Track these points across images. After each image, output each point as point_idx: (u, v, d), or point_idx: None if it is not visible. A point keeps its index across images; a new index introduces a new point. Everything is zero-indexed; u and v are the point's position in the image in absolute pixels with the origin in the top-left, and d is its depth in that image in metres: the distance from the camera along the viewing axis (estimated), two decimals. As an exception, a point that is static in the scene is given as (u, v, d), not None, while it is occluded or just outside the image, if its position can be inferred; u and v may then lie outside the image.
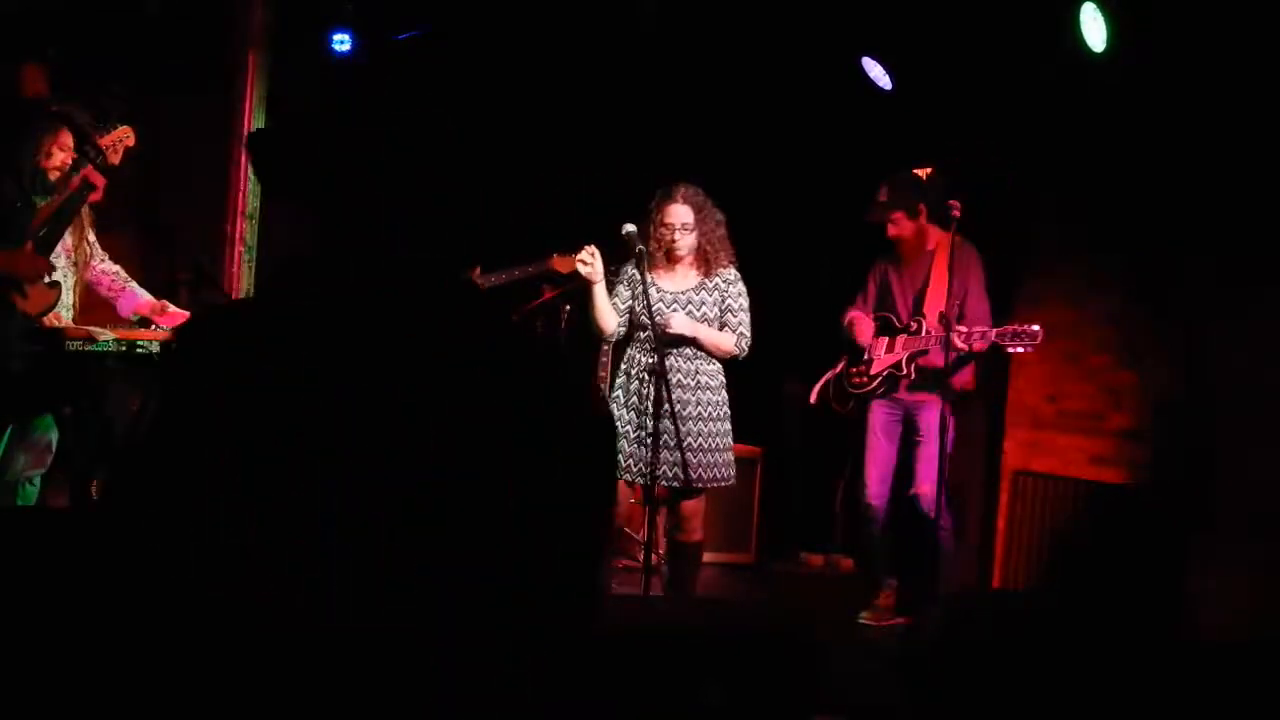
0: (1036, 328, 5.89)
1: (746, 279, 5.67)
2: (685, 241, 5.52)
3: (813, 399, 6.71)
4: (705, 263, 5.55)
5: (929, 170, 6.77)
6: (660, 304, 5.52)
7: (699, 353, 5.51)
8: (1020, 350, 5.99)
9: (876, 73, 6.99)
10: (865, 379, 6.49)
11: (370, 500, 1.48)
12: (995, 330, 6.00)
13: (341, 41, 7.78)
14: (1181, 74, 5.95)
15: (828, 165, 7.63)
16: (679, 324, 5.47)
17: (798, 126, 7.76)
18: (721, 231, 5.58)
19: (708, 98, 7.77)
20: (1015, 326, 5.95)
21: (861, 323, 6.55)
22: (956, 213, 5.98)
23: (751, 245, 7.93)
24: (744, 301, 5.56)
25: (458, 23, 7.66)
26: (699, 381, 5.49)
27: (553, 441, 1.56)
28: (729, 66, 7.54)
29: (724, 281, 5.54)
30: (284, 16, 7.26)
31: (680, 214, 5.52)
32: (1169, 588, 5.85)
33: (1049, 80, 6.49)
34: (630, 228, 5.46)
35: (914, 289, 6.43)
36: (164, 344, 5.45)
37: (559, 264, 6.64)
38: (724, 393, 5.57)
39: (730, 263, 5.59)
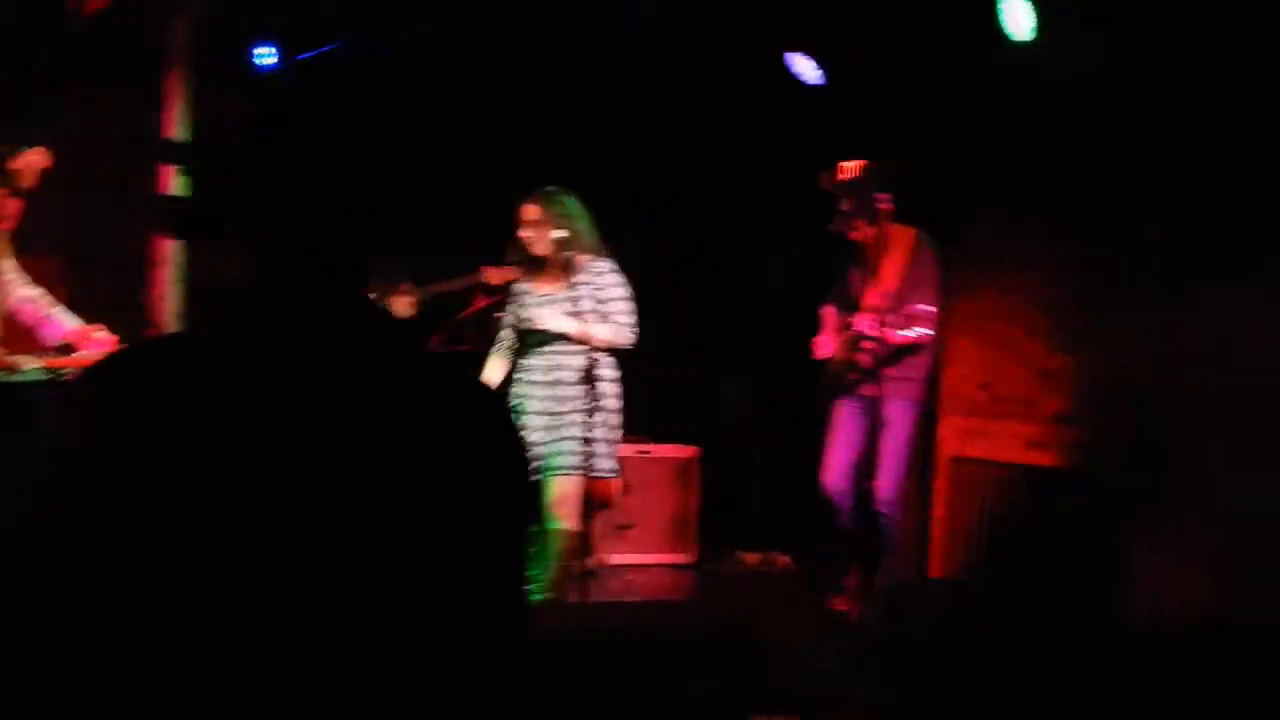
0: (931, 308, 5.98)
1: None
2: (535, 237, 5.62)
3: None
4: (566, 259, 5.61)
5: (862, 163, 6.81)
6: (538, 306, 5.66)
7: (575, 347, 5.58)
8: (922, 334, 6.00)
9: (805, 68, 7.00)
10: (826, 374, 6.63)
11: (285, 552, 1.45)
12: (891, 317, 6.06)
13: (265, 55, 7.71)
14: (1109, 60, 6.00)
15: (764, 162, 7.67)
16: (547, 320, 5.60)
17: (731, 126, 7.79)
18: (578, 227, 5.62)
19: (645, 98, 7.80)
20: (909, 308, 6.00)
21: (827, 319, 6.67)
22: (886, 207, 6.06)
23: (690, 243, 7.97)
24: (619, 291, 5.62)
25: (385, 34, 7.63)
26: (573, 376, 5.57)
27: (467, 471, 1.54)
28: (667, 67, 7.57)
29: (596, 274, 5.61)
30: (207, 33, 7.18)
31: (528, 213, 5.65)
32: (1104, 570, 5.91)
33: (978, 68, 6.55)
34: (560, 233, 5.53)
35: (863, 287, 6.50)
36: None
37: (491, 275, 6.64)
38: (610, 385, 5.59)
39: (603, 256, 5.66)
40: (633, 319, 5.62)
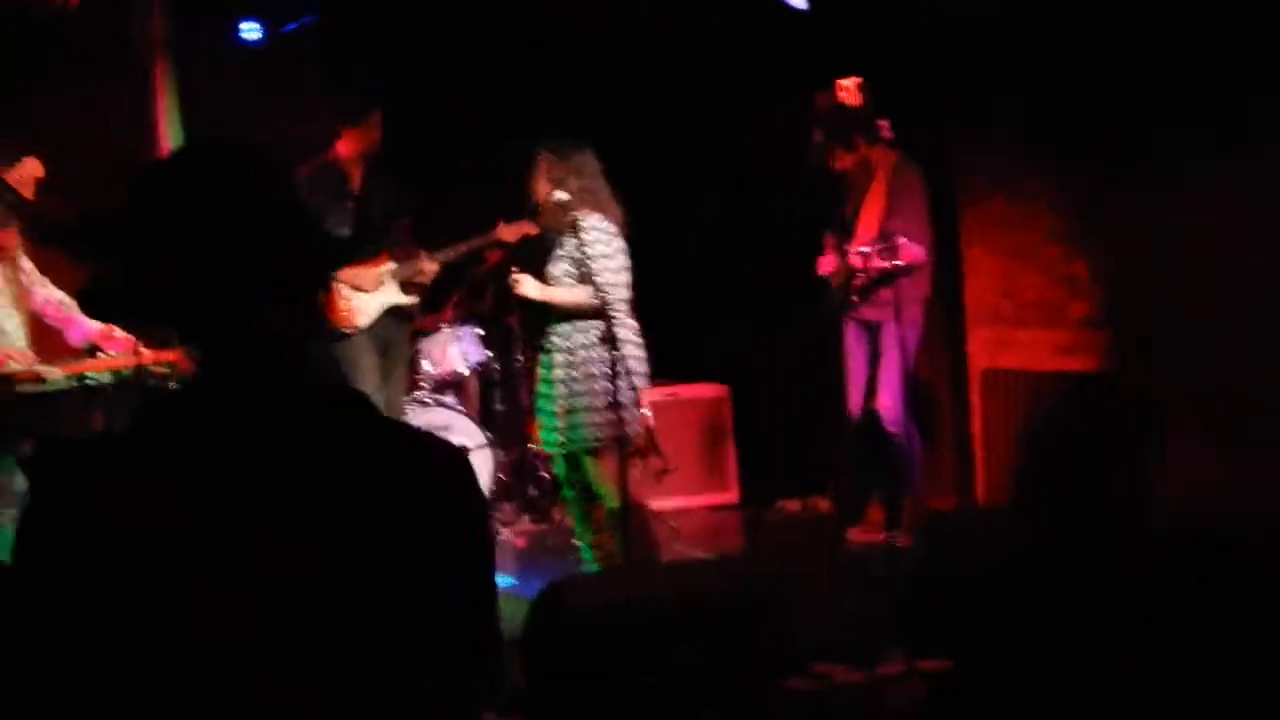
0: (900, 240, 5.87)
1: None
2: (534, 190, 5.43)
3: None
4: (561, 217, 5.37)
5: (858, 80, 6.71)
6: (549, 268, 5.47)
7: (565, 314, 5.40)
8: (897, 265, 5.92)
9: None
10: (828, 303, 6.61)
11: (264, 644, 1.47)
12: (875, 248, 5.99)
13: (251, 30, 7.64)
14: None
15: (761, 93, 7.58)
16: (525, 288, 5.42)
17: (733, 53, 7.71)
18: (574, 183, 5.36)
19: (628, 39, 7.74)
20: (893, 240, 5.92)
21: (827, 244, 6.61)
22: (886, 134, 5.98)
23: (690, 178, 7.91)
24: (597, 249, 5.26)
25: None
26: (590, 339, 5.36)
27: (420, 529, 1.56)
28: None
29: (581, 231, 5.29)
30: (188, 17, 7.13)
31: (535, 165, 5.46)
32: (1142, 470, 5.87)
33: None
34: (561, 195, 5.36)
35: (853, 215, 6.45)
36: (114, 373, 5.42)
37: (505, 233, 6.59)
38: (630, 346, 5.35)
39: (591, 210, 5.35)
40: (612, 277, 5.28)
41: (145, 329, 5.16)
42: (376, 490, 1.53)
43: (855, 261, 6.14)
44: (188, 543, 1.45)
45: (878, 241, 6.01)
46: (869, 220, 6.29)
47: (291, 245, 1.57)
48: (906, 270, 6.03)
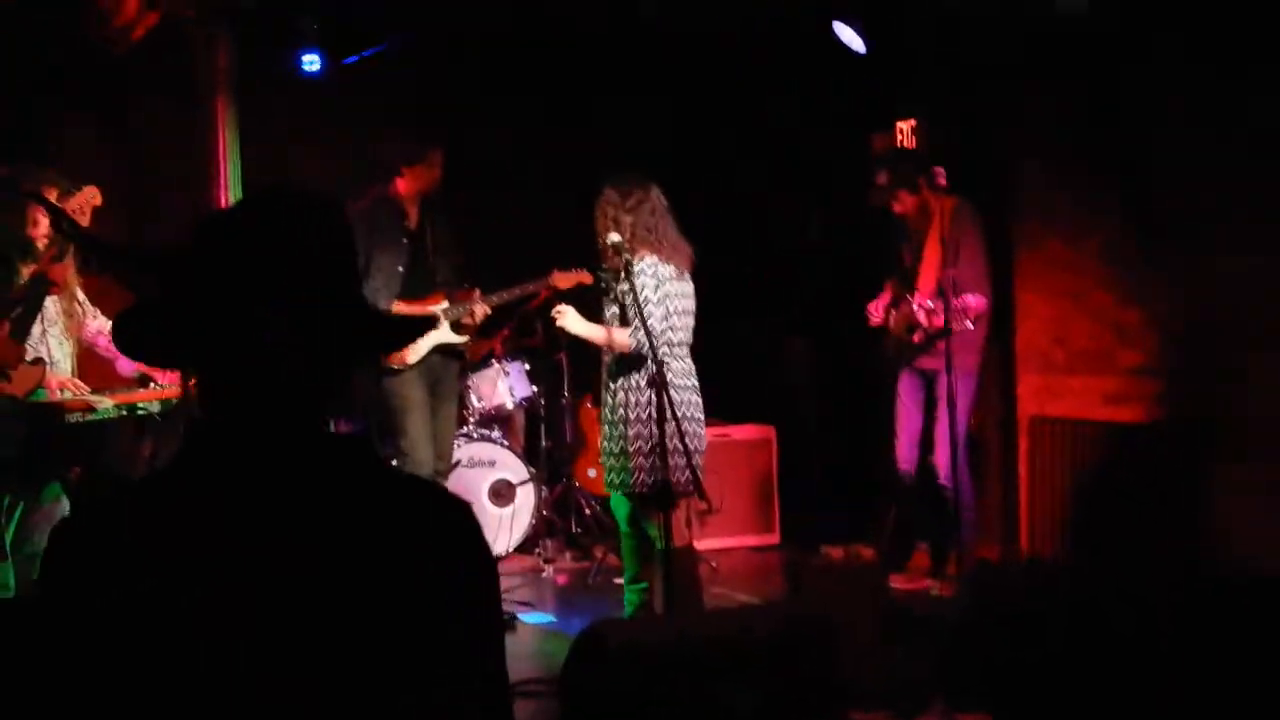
0: (969, 301, 5.86)
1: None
2: (599, 230, 5.35)
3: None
4: (616, 257, 5.28)
5: (913, 122, 6.71)
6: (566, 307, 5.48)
7: (640, 354, 5.26)
8: (966, 326, 5.90)
9: (848, 36, 6.89)
10: (886, 349, 6.61)
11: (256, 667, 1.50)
12: (939, 305, 5.97)
13: (311, 62, 7.71)
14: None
15: (815, 126, 7.59)
16: (565, 320, 5.43)
17: (783, 90, 7.74)
18: (627, 221, 5.29)
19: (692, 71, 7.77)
20: (954, 303, 5.89)
21: (884, 295, 6.58)
22: (942, 180, 5.95)
23: (748, 211, 7.92)
24: (643, 294, 5.17)
25: (430, 35, 7.64)
26: (635, 383, 5.31)
27: (445, 592, 1.59)
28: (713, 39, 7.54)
29: (631, 274, 5.20)
30: (250, 48, 7.21)
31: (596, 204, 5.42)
32: (1192, 520, 5.80)
33: (1025, 18, 6.41)
34: (614, 237, 5.32)
35: (913, 261, 6.44)
36: (163, 402, 5.45)
37: (560, 280, 6.59)
38: (680, 392, 5.24)
39: (647, 252, 5.28)
40: (658, 323, 5.18)
41: (170, 367, 5.20)
42: (377, 519, 1.58)
43: (920, 318, 6.10)
44: (198, 573, 1.50)
45: (938, 296, 5.97)
46: (929, 269, 6.26)
47: (343, 309, 1.60)
48: (973, 324, 6.01)
